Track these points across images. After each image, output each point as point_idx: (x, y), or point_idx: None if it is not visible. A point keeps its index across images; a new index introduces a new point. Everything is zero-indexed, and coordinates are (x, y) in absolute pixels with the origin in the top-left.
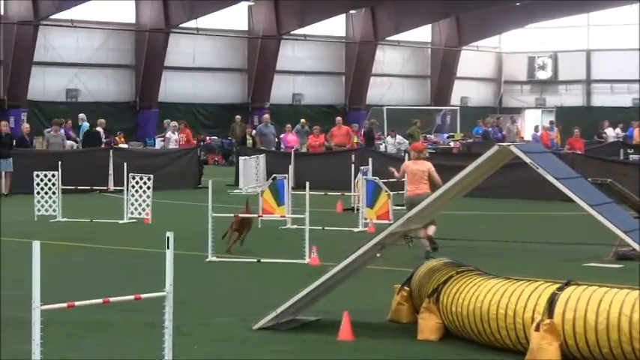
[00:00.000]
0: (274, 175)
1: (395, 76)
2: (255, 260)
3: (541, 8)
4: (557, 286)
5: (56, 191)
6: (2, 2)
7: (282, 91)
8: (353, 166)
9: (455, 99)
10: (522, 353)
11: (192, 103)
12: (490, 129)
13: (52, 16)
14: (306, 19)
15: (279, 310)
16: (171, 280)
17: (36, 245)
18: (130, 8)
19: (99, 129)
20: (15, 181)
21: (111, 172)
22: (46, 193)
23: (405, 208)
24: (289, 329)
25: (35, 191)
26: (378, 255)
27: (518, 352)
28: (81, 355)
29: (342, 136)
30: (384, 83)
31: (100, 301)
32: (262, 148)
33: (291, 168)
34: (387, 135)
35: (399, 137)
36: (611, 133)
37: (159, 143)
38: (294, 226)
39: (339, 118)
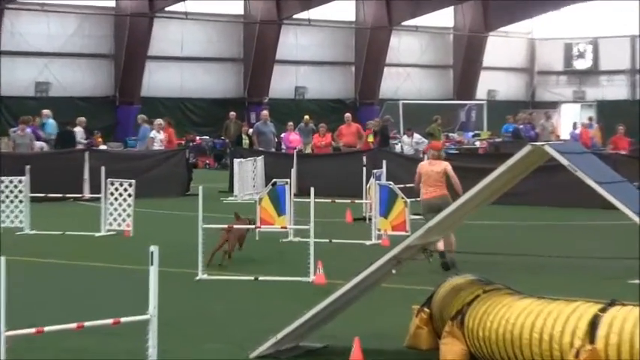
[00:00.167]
0: (274, 180)
1: (412, 66)
2: (252, 278)
3: None
4: (600, 306)
5: (23, 199)
6: None
7: (283, 83)
8: (364, 169)
9: (481, 92)
10: None
11: (179, 98)
12: (521, 126)
13: None
14: (311, 1)
15: (279, 336)
16: (156, 302)
17: (1, 262)
18: None
19: (78, 128)
20: None
21: (86, 177)
22: (12, 201)
23: (421, 216)
24: (291, 357)
25: None
26: (393, 271)
27: None
28: None
29: (352, 135)
30: (400, 74)
31: (73, 325)
32: (260, 149)
33: (293, 172)
34: (404, 134)
35: (416, 136)
36: None
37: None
38: (297, 239)
39: (348, 115)
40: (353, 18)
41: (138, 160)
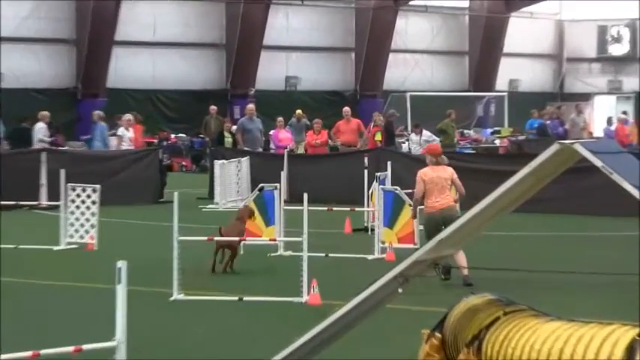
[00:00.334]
0: (261, 184)
1: (422, 52)
2: (236, 298)
3: None
4: (638, 330)
5: None
6: None
7: (271, 73)
8: (366, 172)
9: (501, 82)
10: None
11: (151, 90)
12: (548, 122)
13: None
14: None
15: None
16: (124, 326)
17: None
18: None
19: (40, 125)
20: None
21: (43, 181)
22: None
23: (426, 229)
24: None
25: None
26: (400, 290)
27: None
28: None
29: (351, 133)
30: (408, 62)
31: (28, 354)
32: (245, 148)
33: (283, 175)
34: (411, 131)
35: (426, 133)
36: None
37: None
38: (288, 253)
39: (347, 109)
40: None
41: (103, 162)
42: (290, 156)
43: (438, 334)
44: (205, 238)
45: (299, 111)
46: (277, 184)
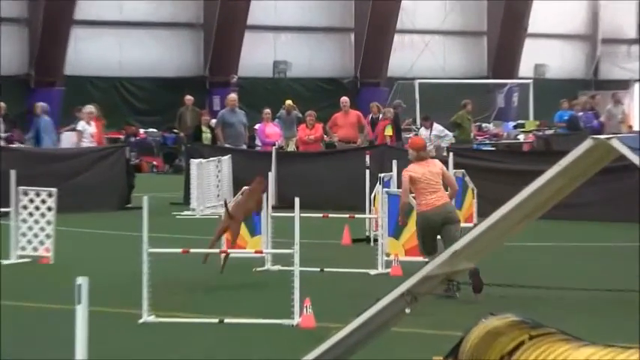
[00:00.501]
0: (245, 187)
1: (432, 32)
2: (216, 320)
3: None
4: None
5: None
6: None
7: (257, 57)
8: (368, 172)
9: (526, 68)
10: None
11: (117, 78)
12: (580, 114)
13: None
14: None
15: None
16: (86, 354)
17: None
18: None
19: None
20: None
21: None
22: None
23: (420, 233)
24: None
25: None
26: (407, 311)
27: None
28: None
29: (350, 127)
30: (416, 44)
31: None
32: (227, 145)
33: (271, 176)
34: (420, 124)
35: (437, 127)
36: None
37: (67, 139)
38: (277, 267)
39: (345, 99)
40: None
41: (60, 161)
42: (279, 154)
43: None
44: (180, 250)
45: (289, 102)
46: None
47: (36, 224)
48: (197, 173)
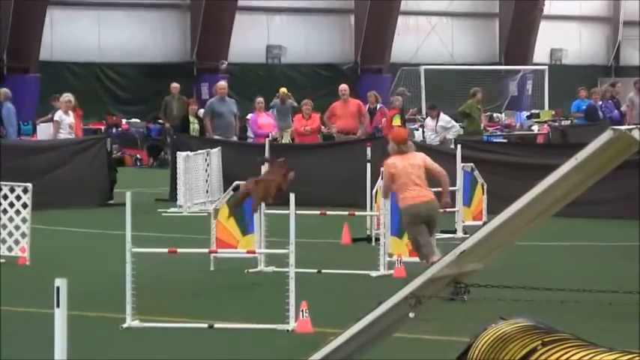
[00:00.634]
0: (236, 183)
1: (439, 14)
2: (206, 326)
3: None
4: None
5: None
6: None
7: (249, 41)
8: (369, 166)
9: (541, 53)
10: None
11: (97, 63)
12: (600, 103)
13: None
14: None
15: None
16: None
17: None
18: None
19: None
20: None
21: None
22: None
23: (407, 231)
24: None
25: None
26: (411, 315)
27: None
28: None
29: (350, 117)
30: (421, 27)
31: None
32: (216, 137)
33: (264, 170)
34: (426, 114)
35: (444, 118)
36: None
37: (44, 130)
38: (270, 269)
39: (344, 87)
40: None
41: (37, 154)
42: (273, 146)
43: None
44: (166, 249)
45: (283, 90)
46: None
47: (10, 222)
48: (184, 167)
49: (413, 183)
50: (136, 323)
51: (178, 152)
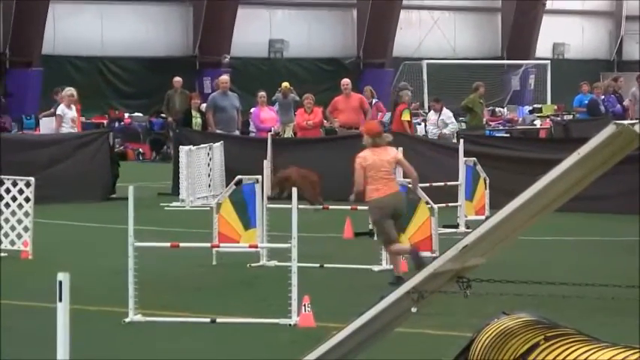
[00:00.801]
0: (239, 177)
1: (441, 9)
2: (208, 320)
3: None
4: None
5: None
6: None
7: (251, 35)
8: None
9: (543, 48)
10: None
11: (99, 57)
12: (602, 97)
13: None
14: None
15: None
16: (67, 356)
17: None
18: None
19: None
20: None
21: None
22: None
23: (376, 225)
24: None
25: None
26: (414, 310)
27: None
28: None
29: (352, 111)
30: (424, 22)
31: None
32: (218, 131)
33: (266, 165)
34: (429, 108)
35: (446, 113)
36: None
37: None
38: (273, 263)
39: (346, 81)
40: None
41: (39, 148)
42: (275, 141)
43: None
44: (168, 244)
45: (286, 84)
46: (259, 177)
47: (13, 216)
48: (186, 161)
49: (381, 177)
50: (139, 317)
51: (181, 146)
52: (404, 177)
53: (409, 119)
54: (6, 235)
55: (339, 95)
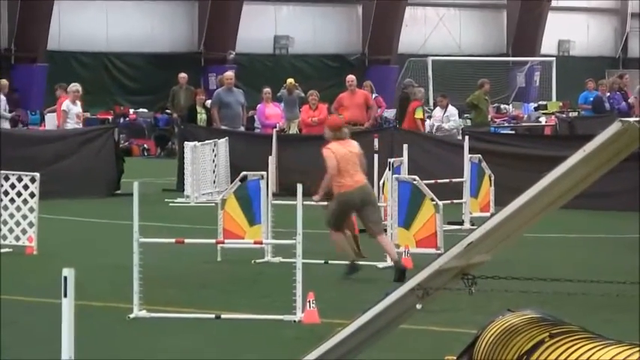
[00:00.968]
0: (244, 173)
1: (447, 5)
2: (213, 316)
3: None
4: None
5: None
6: None
7: (256, 31)
8: (376, 157)
9: (548, 45)
10: None
11: (104, 53)
12: (608, 94)
13: None
14: None
15: None
16: (72, 352)
17: None
18: None
19: None
20: None
21: None
22: None
23: (331, 214)
24: None
25: None
26: (418, 306)
27: None
28: None
29: (357, 108)
30: (429, 19)
31: None
32: (223, 127)
33: (271, 161)
34: (434, 104)
35: (451, 109)
36: None
37: (52, 120)
38: (277, 259)
39: (351, 78)
40: None
41: (44, 143)
42: (280, 137)
43: None
44: (173, 240)
45: (291, 80)
46: (264, 173)
47: (18, 212)
48: (191, 157)
49: (350, 169)
50: (143, 313)
51: (186, 142)
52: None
53: (422, 117)
54: (11, 230)
55: (344, 92)
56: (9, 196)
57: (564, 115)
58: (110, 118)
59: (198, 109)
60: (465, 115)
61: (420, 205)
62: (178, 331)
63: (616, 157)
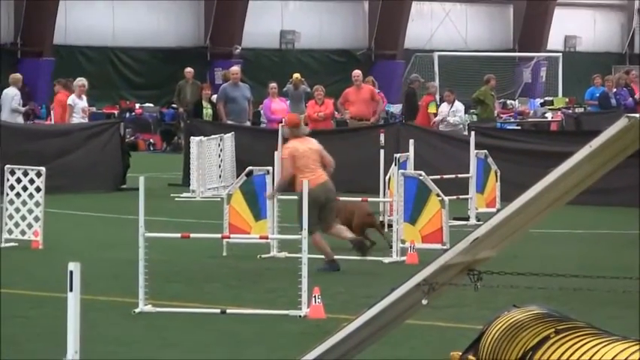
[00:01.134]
0: (250, 168)
1: (453, 0)
2: (218, 311)
3: None
4: None
5: None
6: None
7: (262, 26)
8: (382, 152)
9: (555, 40)
10: None
11: (110, 48)
12: (614, 90)
13: None
14: None
15: None
16: (77, 346)
17: None
18: None
19: (11, 90)
20: None
21: None
22: None
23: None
24: None
25: None
26: (424, 302)
27: None
28: None
29: (363, 103)
30: (435, 14)
31: None
32: (229, 122)
33: (277, 156)
34: (441, 100)
35: (457, 105)
36: None
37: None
38: (283, 254)
39: (357, 73)
40: None
41: (50, 138)
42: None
43: (471, 358)
44: (179, 234)
45: (297, 75)
46: (270, 168)
47: (24, 206)
48: (197, 152)
49: (310, 166)
50: (149, 308)
51: (192, 137)
52: (324, 167)
53: (435, 111)
54: (17, 224)
55: (350, 87)
56: (15, 191)
57: (570, 111)
58: (116, 112)
59: (205, 103)
60: (471, 111)
61: (426, 201)
62: (184, 325)
63: (622, 153)
